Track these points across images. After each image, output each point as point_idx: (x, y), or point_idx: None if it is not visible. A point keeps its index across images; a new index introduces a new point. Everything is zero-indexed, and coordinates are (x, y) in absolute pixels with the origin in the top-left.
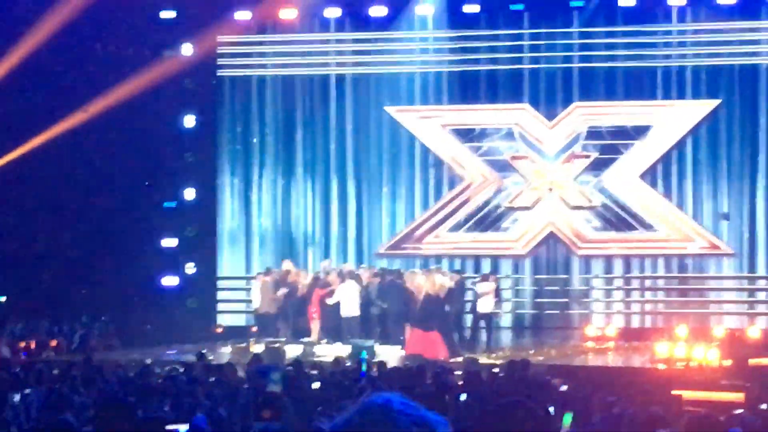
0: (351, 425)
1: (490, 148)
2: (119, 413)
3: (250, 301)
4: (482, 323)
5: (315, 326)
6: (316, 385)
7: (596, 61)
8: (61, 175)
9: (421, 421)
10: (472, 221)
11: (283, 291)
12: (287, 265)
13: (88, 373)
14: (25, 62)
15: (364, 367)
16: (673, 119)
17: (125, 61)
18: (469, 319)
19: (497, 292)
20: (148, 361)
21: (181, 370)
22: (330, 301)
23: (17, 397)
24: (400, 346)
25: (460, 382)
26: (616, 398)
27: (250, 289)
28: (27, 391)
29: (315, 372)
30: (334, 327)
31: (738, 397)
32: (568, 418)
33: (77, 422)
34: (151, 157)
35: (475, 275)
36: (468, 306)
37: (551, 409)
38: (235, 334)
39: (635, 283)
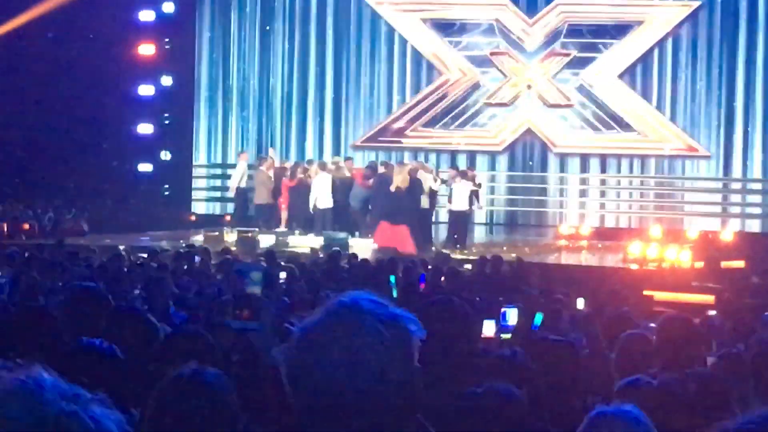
0: (319, 326)
1: (470, 43)
2: (90, 301)
3: (226, 189)
4: (457, 220)
5: (284, 216)
6: (282, 275)
7: None
8: (37, 58)
9: (389, 319)
10: (450, 116)
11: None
12: (272, 153)
13: (58, 258)
14: None
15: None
16: (653, 19)
17: None
18: (442, 214)
19: (476, 193)
20: (121, 247)
21: (152, 257)
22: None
23: None
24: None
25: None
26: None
27: (226, 176)
28: None
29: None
30: (307, 218)
31: (708, 299)
32: (539, 318)
33: (48, 306)
34: (128, 45)
35: (450, 170)
36: (442, 201)
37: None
38: (209, 222)
39: (611, 183)
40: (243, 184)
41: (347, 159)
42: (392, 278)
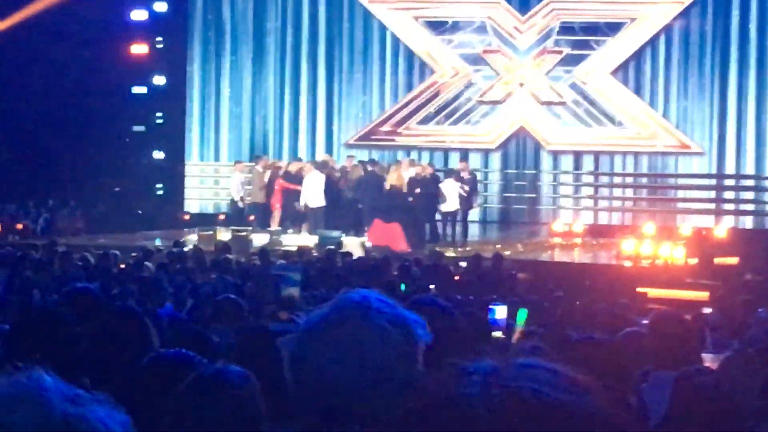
0: (326, 321)
1: (462, 42)
2: (85, 301)
3: (218, 188)
4: (448, 218)
5: (276, 216)
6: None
7: None
8: (31, 59)
9: (398, 319)
10: (443, 114)
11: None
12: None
13: (50, 257)
14: None
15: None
16: (646, 16)
17: None
18: (435, 212)
19: (468, 190)
20: (115, 246)
21: (146, 256)
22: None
23: None
24: (366, 238)
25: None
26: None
27: (219, 175)
28: None
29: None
30: (300, 217)
31: (702, 295)
32: (522, 315)
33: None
34: (120, 44)
35: (444, 169)
36: (435, 200)
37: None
38: (202, 221)
39: (603, 180)
40: (240, 194)
41: (348, 157)
42: (402, 286)
